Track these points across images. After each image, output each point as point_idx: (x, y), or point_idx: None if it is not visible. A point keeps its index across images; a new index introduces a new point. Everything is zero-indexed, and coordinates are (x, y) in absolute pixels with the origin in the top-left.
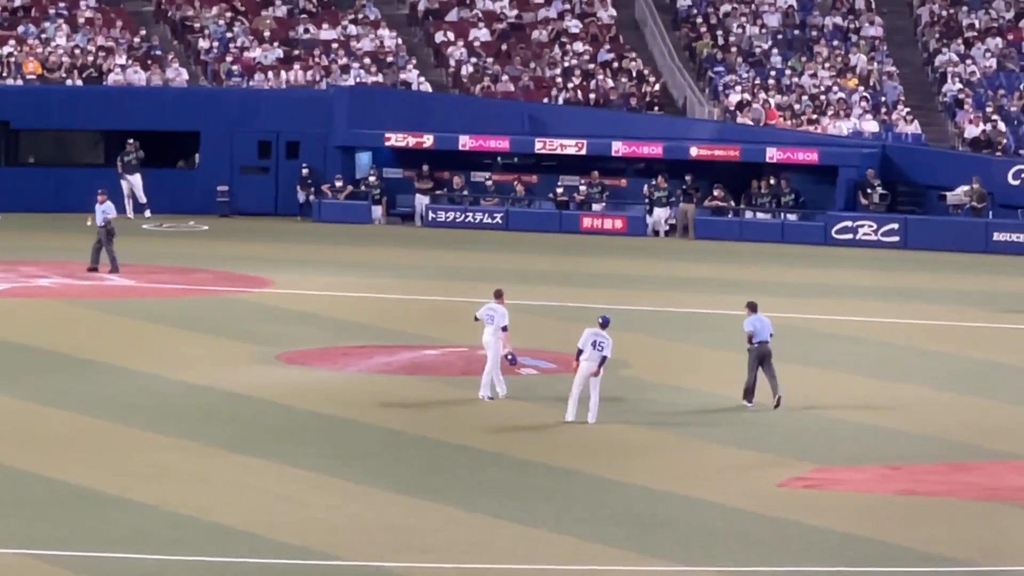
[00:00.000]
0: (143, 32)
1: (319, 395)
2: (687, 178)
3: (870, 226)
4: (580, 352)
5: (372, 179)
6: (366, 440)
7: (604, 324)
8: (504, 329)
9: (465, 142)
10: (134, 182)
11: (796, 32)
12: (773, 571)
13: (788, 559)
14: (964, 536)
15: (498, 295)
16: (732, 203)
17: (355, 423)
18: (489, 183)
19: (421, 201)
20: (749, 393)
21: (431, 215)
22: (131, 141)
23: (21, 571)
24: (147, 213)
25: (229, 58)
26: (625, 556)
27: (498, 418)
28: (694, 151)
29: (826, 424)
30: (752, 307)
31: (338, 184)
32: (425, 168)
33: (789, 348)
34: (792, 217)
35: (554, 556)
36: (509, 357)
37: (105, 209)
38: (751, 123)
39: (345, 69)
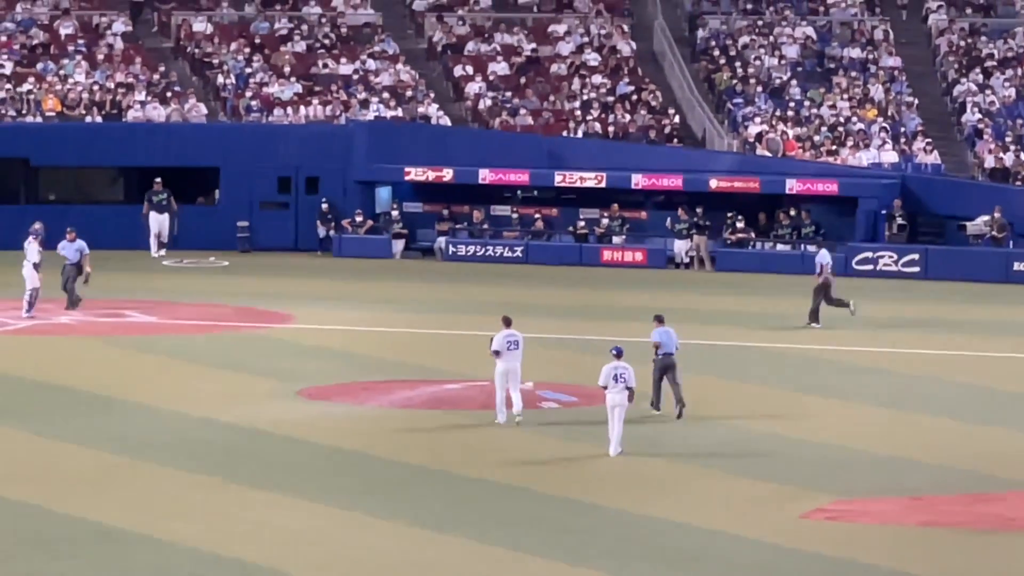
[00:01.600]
0: (162, 68)
1: (340, 430)
2: (698, 210)
3: (890, 256)
4: (605, 388)
5: (394, 214)
6: (388, 474)
7: (619, 355)
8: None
9: (485, 176)
10: (162, 222)
11: (815, 63)
12: None
13: None
14: (986, 567)
15: (508, 322)
16: (752, 235)
17: (376, 458)
18: (514, 215)
19: (442, 236)
20: (655, 403)
21: (451, 249)
22: (158, 180)
23: None
24: (162, 252)
25: (248, 93)
26: None
27: (520, 451)
28: (714, 183)
29: (847, 455)
30: (659, 319)
31: (358, 219)
32: (445, 212)
33: (809, 379)
34: (812, 248)
35: None
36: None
37: (80, 247)
38: (770, 154)
39: (364, 104)
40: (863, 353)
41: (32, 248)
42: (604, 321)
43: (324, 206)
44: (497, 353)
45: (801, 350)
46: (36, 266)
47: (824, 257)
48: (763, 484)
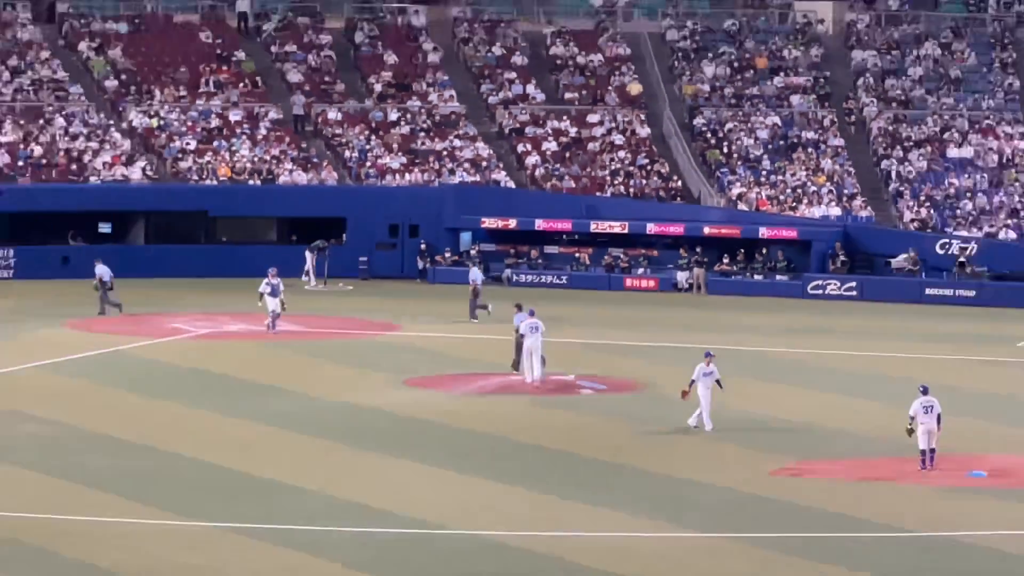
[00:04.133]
0: (304, 145)
1: (437, 410)
2: (697, 249)
3: (836, 284)
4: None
5: (473, 252)
6: (474, 443)
7: (925, 391)
8: (540, 332)
9: (539, 224)
10: (312, 260)
11: (781, 142)
12: (763, 536)
13: (775, 527)
14: (907, 509)
15: (532, 313)
16: (735, 268)
17: (464, 430)
18: (581, 256)
19: (509, 268)
20: (516, 365)
21: (515, 277)
22: (330, 241)
23: (222, 540)
24: (315, 284)
25: (367, 163)
26: (659, 525)
27: (562, 424)
28: (706, 230)
29: (806, 428)
30: (519, 307)
31: (447, 255)
32: (511, 251)
33: (778, 374)
34: (780, 277)
35: (606, 527)
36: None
37: (100, 272)
38: (747, 209)
39: (452, 171)
40: (813, 354)
41: (270, 282)
42: (627, 329)
43: (422, 246)
44: (521, 334)
45: (770, 352)
46: (272, 294)
47: (475, 274)
48: (746, 450)
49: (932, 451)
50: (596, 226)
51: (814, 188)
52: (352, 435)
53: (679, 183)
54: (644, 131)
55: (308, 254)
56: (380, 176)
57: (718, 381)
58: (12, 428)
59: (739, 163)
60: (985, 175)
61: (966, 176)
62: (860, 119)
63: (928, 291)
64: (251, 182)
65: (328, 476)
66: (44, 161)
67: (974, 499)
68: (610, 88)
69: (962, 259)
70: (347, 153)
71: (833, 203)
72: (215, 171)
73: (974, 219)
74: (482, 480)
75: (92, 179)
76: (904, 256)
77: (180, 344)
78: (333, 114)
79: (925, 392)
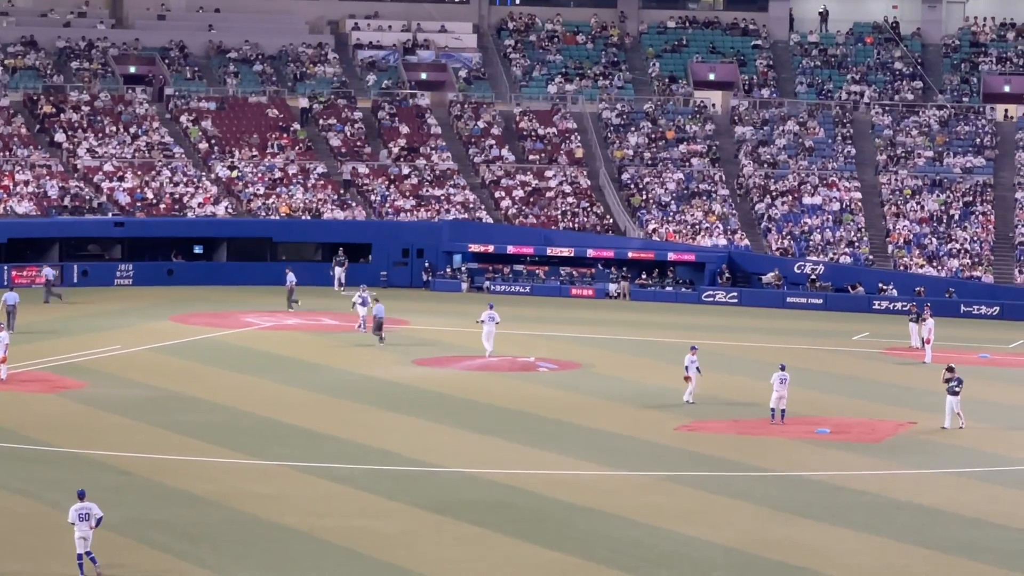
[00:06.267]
0: (341, 191)
1: (436, 382)
2: (623, 268)
3: (722, 294)
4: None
5: (463, 269)
6: (462, 406)
7: (782, 368)
8: (496, 323)
9: (510, 249)
10: (340, 272)
11: (684, 191)
12: (670, 474)
13: (678, 468)
14: (772, 456)
15: (491, 306)
16: (650, 282)
17: (455, 397)
18: (539, 272)
19: (488, 280)
20: (381, 339)
21: (492, 288)
22: (341, 250)
23: (280, 474)
24: (341, 289)
25: (387, 205)
26: (595, 466)
27: (520, 392)
28: (630, 254)
29: (700, 396)
30: (376, 299)
31: (446, 271)
32: (490, 268)
33: (680, 358)
34: (683, 289)
35: (557, 466)
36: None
37: (45, 273)
38: (659, 239)
39: (447, 211)
40: (707, 344)
41: (362, 295)
42: (573, 325)
43: (426, 264)
44: (482, 322)
45: (672, 342)
46: (362, 304)
47: (291, 276)
48: (662, 413)
49: (783, 411)
50: (551, 251)
51: (707, 225)
52: (373, 399)
53: (611, 220)
54: (586, 183)
55: (337, 268)
56: (396, 214)
57: (698, 368)
58: (128, 391)
59: (654, 206)
60: (829, 216)
61: (816, 217)
62: (741, 176)
63: (788, 299)
64: (303, 217)
65: (356, 428)
66: (154, 201)
67: (820, 448)
68: (561, 152)
69: (812, 277)
70: (372, 197)
71: (721, 236)
72: (277, 209)
73: (821, 248)
74: (467, 432)
75: (189, 214)
76: (771, 274)
77: (251, 333)
78: (363, 168)
79: (782, 369)
